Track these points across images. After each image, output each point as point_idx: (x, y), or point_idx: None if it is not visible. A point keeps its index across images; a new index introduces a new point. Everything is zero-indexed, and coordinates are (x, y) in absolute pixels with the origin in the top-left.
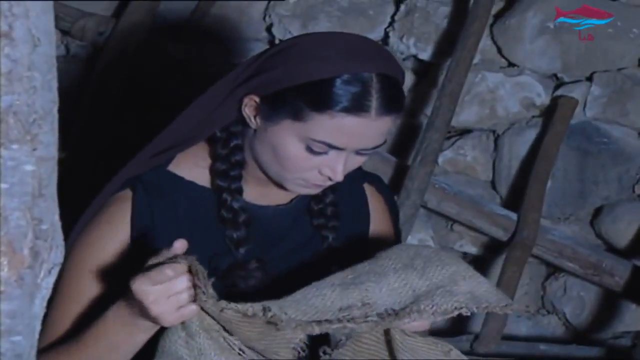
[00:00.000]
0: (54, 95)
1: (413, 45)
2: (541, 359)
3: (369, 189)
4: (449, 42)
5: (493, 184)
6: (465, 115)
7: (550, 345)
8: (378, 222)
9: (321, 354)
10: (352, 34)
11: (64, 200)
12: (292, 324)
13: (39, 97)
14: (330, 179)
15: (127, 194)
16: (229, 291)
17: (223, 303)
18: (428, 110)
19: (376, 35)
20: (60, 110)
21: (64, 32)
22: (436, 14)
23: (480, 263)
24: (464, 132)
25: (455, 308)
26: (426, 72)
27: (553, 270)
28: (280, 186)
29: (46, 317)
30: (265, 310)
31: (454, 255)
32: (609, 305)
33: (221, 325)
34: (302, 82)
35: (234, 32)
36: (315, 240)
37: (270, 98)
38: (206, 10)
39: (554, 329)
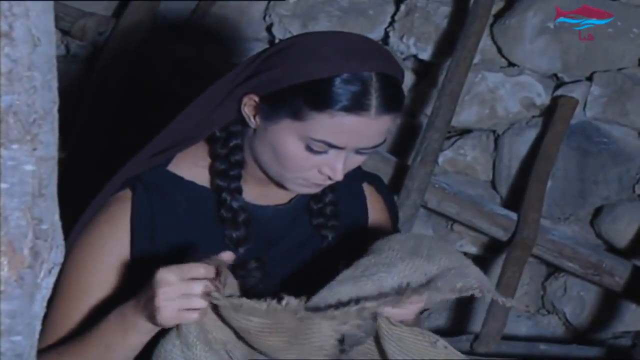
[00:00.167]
0: (54, 95)
1: (413, 45)
2: (541, 359)
3: (368, 189)
4: (449, 42)
5: (493, 184)
6: (466, 115)
7: (550, 345)
8: (376, 222)
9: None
10: (351, 33)
11: (64, 200)
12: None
13: (39, 97)
14: (330, 178)
15: (127, 194)
16: None
17: (243, 300)
18: (428, 110)
19: (376, 35)
20: (60, 110)
21: (64, 32)
22: (436, 13)
23: (481, 263)
24: (464, 132)
25: (470, 288)
26: (426, 72)
27: (553, 270)
28: (280, 186)
29: (46, 317)
30: (296, 302)
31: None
32: (609, 305)
33: (235, 337)
34: (302, 82)
35: (234, 32)
36: (314, 239)
37: (269, 97)
38: (206, 10)
39: (554, 328)
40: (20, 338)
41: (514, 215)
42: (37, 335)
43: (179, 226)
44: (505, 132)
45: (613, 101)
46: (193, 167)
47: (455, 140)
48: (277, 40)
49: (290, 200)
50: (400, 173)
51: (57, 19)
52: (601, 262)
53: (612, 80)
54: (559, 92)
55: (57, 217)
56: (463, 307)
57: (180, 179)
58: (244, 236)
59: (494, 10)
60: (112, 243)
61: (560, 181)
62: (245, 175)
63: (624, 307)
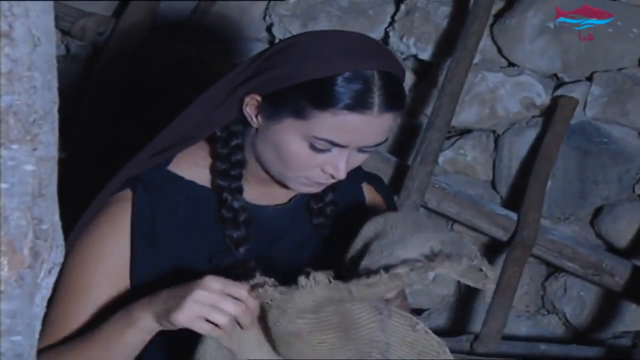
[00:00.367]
0: (54, 95)
1: (413, 45)
2: (541, 359)
3: (367, 189)
4: (449, 42)
5: (493, 184)
6: (466, 115)
7: (551, 345)
8: None
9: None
10: (351, 32)
11: (64, 200)
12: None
13: (39, 97)
14: (333, 176)
15: (127, 194)
16: None
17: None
18: (428, 110)
19: (376, 35)
20: (60, 110)
21: (64, 32)
22: (436, 13)
23: None
24: (464, 132)
25: (477, 257)
26: (426, 72)
27: (553, 270)
28: (282, 185)
29: (46, 317)
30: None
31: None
32: (609, 305)
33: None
34: (304, 81)
35: (235, 32)
36: (314, 239)
37: (272, 97)
38: (207, 10)
39: (554, 328)
40: (20, 338)
41: (514, 215)
42: (37, 335)
43: (179, 226)
44: (505, 132)
45: (613, 101)
46: (193, 167)
47: (455, 140)
48: (277, 40)
49: (290, 200)
50: (401, 173)
51: (57, 19)
52: (601, 262)
53: (612, 80)
54: (559, 92)
55: (57, 217)
56: (463, 307)
57: (181, 178)
58: (245, 236)
59: (494, 10)
60: (113, 243)
61: (560, 181)
62: (246, 174)
63: (624, 307)
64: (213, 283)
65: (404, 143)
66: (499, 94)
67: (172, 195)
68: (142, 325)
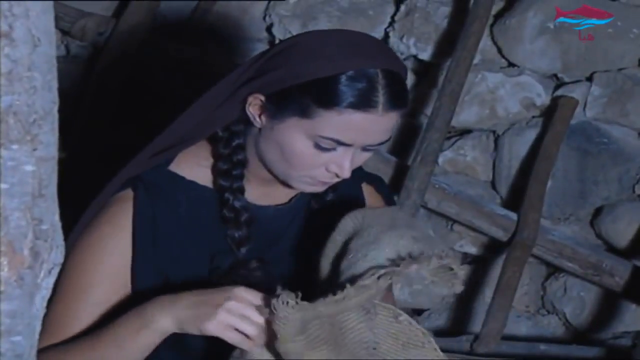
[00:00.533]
0: (54, 95)
1: (413, 45)
2: (541, 359)
3: (367, 189)
4: (449, 42)
5: (493, 184)
6: (465, 116)
7: (550, 345)
8: None
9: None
10: (353, 31)
11: (64, 200)
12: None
13: (39, 98)
14: (337, 175)
15: (129, 193)
16: None
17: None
18: (428, 111)
19: (376, 35)
20: (60, 111)
21: (64, 32)
22: (436, 14)
23: (481, 263)
24: (464, 132)
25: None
26: (426, 72)
27: (553, 270)
28: (285, 184)
29: (45, 316)
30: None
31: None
32: (609, 305)
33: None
34: (308, 80)
35: (235, 32)
36: (314, 238)
37: (276, 96)
38: (207, 10)
39: (554, 329)
40: (20, 338)
41: (514, 216)
42: (37, 336)
43: (180, 226)
44: (505, 132)
45: (613, 101)
46: (195, 166)
47: (455, 141)
48: (277, 41)
49: (291, 200)
50: (400, 173)
51: (57, 19)
52: (601, 263)
53: (612, 81)
54: (559, 92)
55: (57, 217)
56: (463, 307)
57: (182, 178)
58: (246, 236)
59: (494, 11)
60: (114, 243)
61: (560, 181)
62: (247, 174)
63: (624, 308)
64: (244, 293)
65: (404, 143)
66: (499, 94)
67: (173, 195)
68: (159, 327)
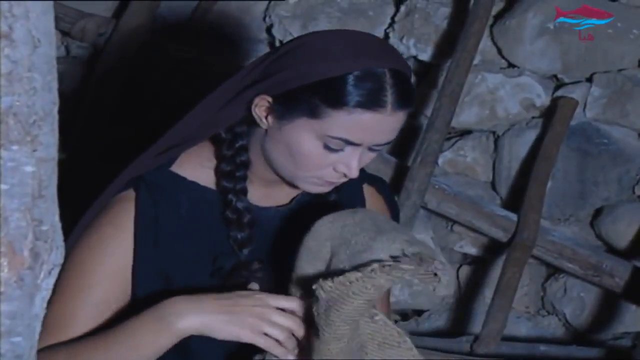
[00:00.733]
0: (54, 96)
1: (413, 46)
2: None
3: (368, 190)
4: (449, 43)
5: (493, 185)
6: (465, 116)
7: (550, 346)
8: None
9: None
10: (356, 31)
11: (64, 201)
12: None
13: (39, 98)
14: (345, 175)
15: (131, 194)
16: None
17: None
18: (428, 111)
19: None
20: (60, 111)
21: (64, 33)
22: (436, 14)
23: (481, 264)
24: (464, 133)
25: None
26: (426, 73)
27: (553, 271)
28: (291, 185)
29: (45, 316)
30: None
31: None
32: (609, 306)
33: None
34: (316, 81)
35: (236, 33)
36: None
37: (283, 97)
38: (207, 10)
39: (554, 329)
40: (20, 339)
41: (513, 216)
42: (37, 337)
43: (182, 226)
44: (505, 133)
45: (613, 102)
46: (198, 167)
47: (455, 141)
48: (277, 42)
49: (292, 201)
50: (400, 174)
51: (57, 20)
52: (601, 263)
53: (612, 81)
54: (558, 93)
55: (57, 218)
56: (463, 308)
57: (183, 179)
58: (249, 237)
59: (493, 11)
60: (115, 244)
61: (560, 182)
62: (250, 176)
63: (624, 308)
64: (270, 300)
65: (403, 144)
66: (498, 95)
67: (175, 195)
68: (180, 330)
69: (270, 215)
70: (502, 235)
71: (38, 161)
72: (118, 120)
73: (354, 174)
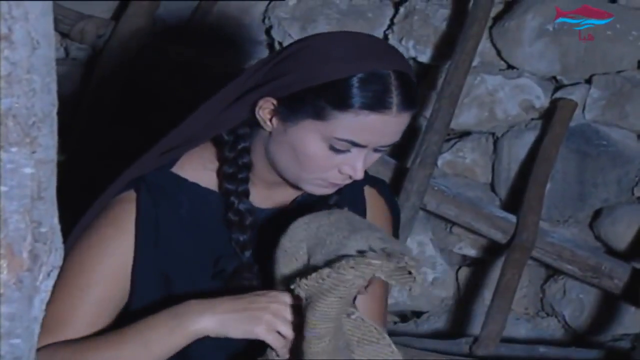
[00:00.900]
0: (53, 97)
1: (412, 47)
2: None
3: (369, 192)
4: (448, 44)
5: (492, 187)
6: (465, 118)
7: (550, 347)
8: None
9: None
10: (358, 32)
11: (63, 203)
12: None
13: (38, 100)
14: (350, 177)
15: (131, 195)
16: (233, 293)
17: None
18: (427, 113)
19: None
20: (59, 113)
21: (63, 34)
22: (435, 16)
23: (480, 265)
24: (463, 134)
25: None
26: (425, 74)
27: (552, 272)
28: (295, 187)
29: (45, 316)
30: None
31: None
32: (608, 307)
33: None
34: (322, 83)
35: (235, 34)
36: None
37: (289, 100)
38: (207, 11)
39: (553, 331)
40: (19, 341)
41: (513, 218)
42: (36, 338)
43: (182, 227)
44: (504, 134)
45: (612, 104)
46: (200, 169)
47: (455, 143)
48: (276, 43)
49: (293, 201)
50: (400, 175)
51: (57, 21)
52: (600, 265)
53: (611, 83)
54: (558, 94)
55: (56, 220)
56: (462, 310)
57: (184, 180)
58: (250, 239)
59: (493, 13)
60: (116, 245)
61: (559, 184)
62: (252, 177)
63: (623, 310)
64: (283, 297)
65: (403, 145)
66: (498, 96)
67: (175, 196)
68: (194, 330)
69: (272, 216)
70: (501, 237)
71: (37, 163)
72: (117, 121)
73: (359, 175)
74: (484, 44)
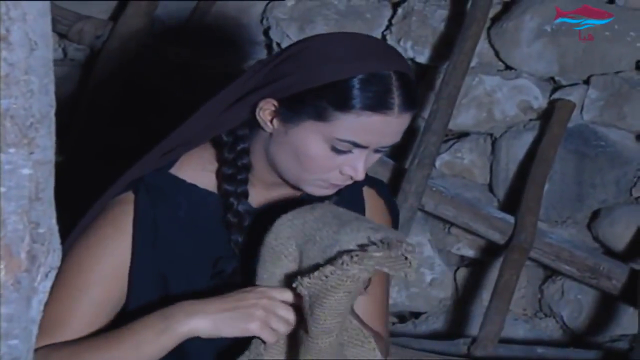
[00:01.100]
0: (51, 98)
1: (410, 48)
2: None
3: (368, 193)
4: (446, 45)
5: (490, 187)
6: (463, 119)
7: (548, 348)
8: None
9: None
10: (358, 33)
11: (61, 203)
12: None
13: (36, 101)
14: (351, 177)
15: (129, 196)
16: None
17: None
18: (425, 114)
19: None
20: (57, 114)
21: (61, 35)
22: (433, 17)
23: (478, 266)
24: (462, 135)
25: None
26: (423, 75)
27: (550, 273)
28: (296, 188)
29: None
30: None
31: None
32: (606, 308)
33: None
34: (323, 84)
35: (234, 34)
36: None
37: (290, 101)
38: (205, 12)
39: (551, 332)
40: (17, 342)
41: (511, 219)
42: (34, 339)
43: (181, 228)
44: (502, 135)
45: (610, 104)
46: (199, 170)
47: (453, 144)
48: (274, 44)
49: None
50: (398, 176)
51: (55, 22)
52: (598, 266)
53: (609, 84)
54: (556, 95)
55: (54, 220)
56: (460, 310)
57: (182, 181)
58: (250, 241)
59: (491, 14)
60: (114, 245)
61: (557, 184)
62: (252, 179)
63: (621, 311)
64: (271, 291)
65: (401, 146)
66: (496, 97)
67: (173, 197)
68: (181, 331)
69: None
70: (499, 238)
71: (35, 164)
72: (115, 122)
73: (361, 176)
74: (482, 45)
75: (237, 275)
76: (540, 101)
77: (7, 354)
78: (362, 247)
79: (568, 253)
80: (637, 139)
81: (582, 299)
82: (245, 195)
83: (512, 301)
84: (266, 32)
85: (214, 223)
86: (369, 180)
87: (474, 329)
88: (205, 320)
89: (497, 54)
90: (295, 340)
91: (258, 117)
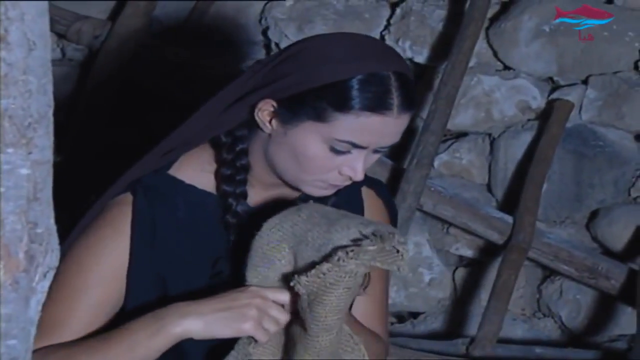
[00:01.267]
0: (49, 98)
1: (409, 48)
2: None
3: (367, 193)
4: (445, 45)
5: (489, 187)
6: (461, 119)
7: (546, 348)
8: None
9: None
10: (356, 34)
11: (59, 203)
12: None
13: (34, 101)
14: (350, 178)
15: (128, 197)
16: None
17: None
18: (424, 114)
19: None
20: (55, 114)
21: (59, 35)
22: (432, 17)
23: (476, 266)
24: (460, 135)
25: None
26: (422, 75)
27: (549, 273)
28: (295, 189)
29: (40, 317)
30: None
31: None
32: (604, 308)
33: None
34: (322, 84)
35: (232, 34)
36: None
37: (289, 101)
38: (203, 12)
39: (549, 332)
40: (16, 342)
41: (509, 219)
42: (32, 340)
43: (180, 229)
44: (501, 135)
45: (609, 104)
46: (197, 171)
47: (451, 144)
48: (272, 44)
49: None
50: (396, 176)
51: (53, 22)
52: (597, 266)
53: (607, 84)
54: (554, 95)
55: (52, 221)
56: (459, 310)
57: (181, 182)
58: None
59: (489, 14)
60: (113, 246)
61: (556, 184)
62: (251, 179)
63: (619, 311)
64: (264, 291)
65: (399, 146)
66: (494, 97)
67: (171, 198)
68: (174, 333)
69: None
70: (497, 238)
71: (33, 164)
72: (114, 122)
73: (360, 176)
74: (481, 45)
75: (236, 275)
76: (538, 101)
77: (5, 354)
78: (356, 242)
79: (566, 253)
80: (635, 139)
81: (580, 299)
82: (244, 195)
83: (510, 301)
84: (265, 32)
85: (213, 224)
86: (368, 181)
87: (472, 329)
88: (198, 321)
89: (495, 54)
90: (289, 340)
91: (257, 118)
